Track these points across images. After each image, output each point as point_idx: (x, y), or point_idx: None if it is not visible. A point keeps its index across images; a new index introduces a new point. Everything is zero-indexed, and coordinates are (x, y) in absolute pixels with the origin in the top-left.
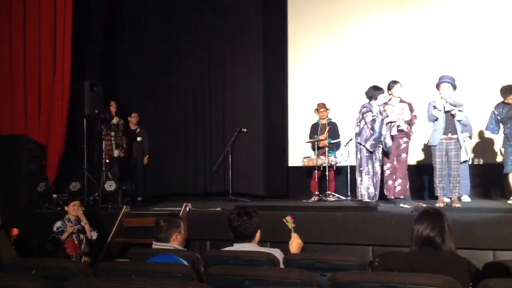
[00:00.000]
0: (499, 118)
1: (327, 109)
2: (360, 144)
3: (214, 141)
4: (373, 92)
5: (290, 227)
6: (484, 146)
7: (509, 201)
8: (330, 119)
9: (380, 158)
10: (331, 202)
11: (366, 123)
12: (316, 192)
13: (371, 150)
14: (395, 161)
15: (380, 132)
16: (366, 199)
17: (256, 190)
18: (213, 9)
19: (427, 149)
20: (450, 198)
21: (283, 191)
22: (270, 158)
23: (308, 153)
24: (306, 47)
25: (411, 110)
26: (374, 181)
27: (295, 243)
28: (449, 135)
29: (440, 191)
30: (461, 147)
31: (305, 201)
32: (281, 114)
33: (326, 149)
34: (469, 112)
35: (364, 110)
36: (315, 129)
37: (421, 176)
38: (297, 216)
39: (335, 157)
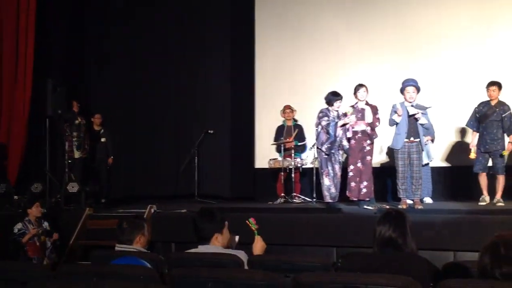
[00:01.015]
0: (477, 115)
1: (293, 111)
2: (318, 148)
3: (181, 142)
4: (331, 97)
5: (253, 228)
6: (452, 148)
7: (480, 203)
8: (296, 121)
9: (340, 160)
10: (297, 204)
11: (322, 127)
12: (282, 194)
13: (327, 153)
14: (360, 163)
15: (335, 135)
16: (328, 199)
17: (223, 192)
18: (183, 10)
19: (391, 152)
20: (413, 200)
21: (250, 192)
22: (236, 160)
23: (275, 155)
24: (273, 50)
25: (375, 113)
26: (335, 182)
27: (258, 245)
28: (412, 138)
29: (403, 193)
30: (423, 150)
31: (271, 202)
32: (248, 116)
33: (292, 151)
34: (434, 116)
35: (320, 115)
36: (280, 131)
37: (385, 178)
38: (263, 217)
39: (301, 159)
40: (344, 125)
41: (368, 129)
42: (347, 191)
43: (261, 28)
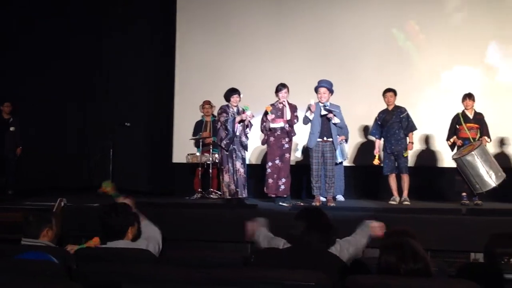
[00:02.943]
0: (378, 123)
1: (212, 106)
2: (218, 144)
3: (96, 134)
4: (227, 93)
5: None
6: (364, 148)
7: (390, 201)
8: (215, 116)
9: (243, 156)
10: (213, 199)
11: (221, 123)
12: (199, 189)
13: (226, 149)
14: (278, 160)
15: (233, 132)
16: (227, 196)
17: (140, 186)
18: None
19: (306, 150)
20: (326, 198)
21: (167, 187)
22: (154, 154)
23: (194, 150)
24: (195, 44)
25: (294, 111)
26: (235, 178)
27: None
28: (325, 138)
29: (317, 190)
30: (336, 150)
31: (187, 198)
32: (167, 110)
33: (210, 146)
34: (348, 116)
35: (219, 111)
36: (199, 127)
37: (300, 176)
38: (179, 213)
39: (218, 154)
40: (242, 121)
41: (287, 126)
42: (264, 188)
43: (183, 21)
